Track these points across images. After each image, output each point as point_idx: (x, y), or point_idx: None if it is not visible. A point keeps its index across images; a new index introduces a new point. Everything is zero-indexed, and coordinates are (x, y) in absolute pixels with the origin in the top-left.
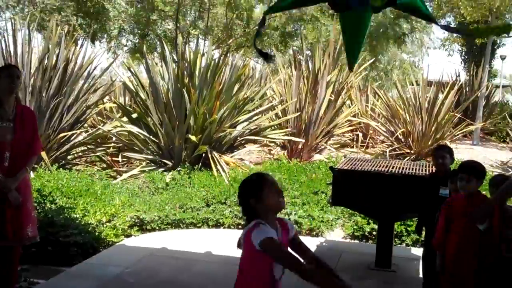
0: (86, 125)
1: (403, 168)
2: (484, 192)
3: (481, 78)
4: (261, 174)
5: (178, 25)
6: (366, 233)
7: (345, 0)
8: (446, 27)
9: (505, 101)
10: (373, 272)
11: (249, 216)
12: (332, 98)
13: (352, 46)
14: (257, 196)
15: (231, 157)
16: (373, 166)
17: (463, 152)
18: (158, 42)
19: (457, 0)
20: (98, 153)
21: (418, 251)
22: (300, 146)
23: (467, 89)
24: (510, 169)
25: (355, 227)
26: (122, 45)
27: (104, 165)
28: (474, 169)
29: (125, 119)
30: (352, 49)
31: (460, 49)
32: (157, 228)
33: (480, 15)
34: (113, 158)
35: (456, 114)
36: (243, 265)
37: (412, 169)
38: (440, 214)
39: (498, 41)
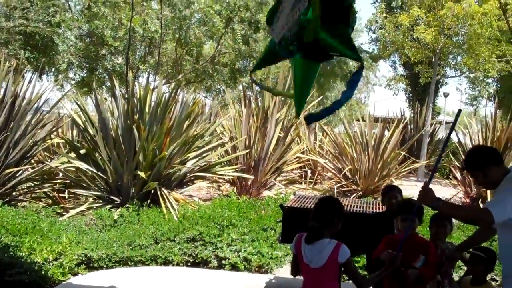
0: (32, 161)
1: (350, 206)
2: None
3: (425, 116)
4: None
5: (128, 61)
6: None
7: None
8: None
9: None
10: None
11: (323, 230)
12: (281, 135)
13: (297, 93)
14: (341, 218)
15: (181, 193)
16: None
17: (408, 189)
18: (107, 77)
19: (402, 41)
20: (45, 189)
21: None
22: (249, 183)
23: (411, 126)
24: None
25: None
26: (70, 79)
27: (50, 202)
28: (419, 209)
29: (72, 154)
30: (296, 95)
31: (405, 87)
32: (105, 266)
33: (424, 55)
34: (60, 195)
35: (401, 152)
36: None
37: (360, 207)
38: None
39: (441, 80)
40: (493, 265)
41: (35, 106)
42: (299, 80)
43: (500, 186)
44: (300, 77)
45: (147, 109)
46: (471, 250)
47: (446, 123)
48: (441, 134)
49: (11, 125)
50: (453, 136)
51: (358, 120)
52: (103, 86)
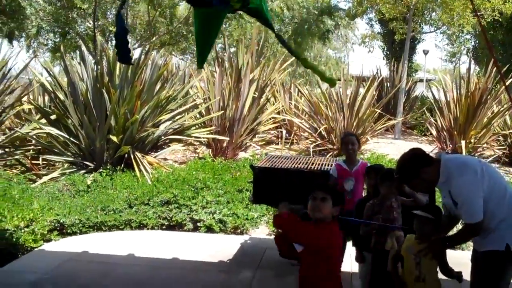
0: (3, 127)
1: (322, 165)
2: None
3: (401, 73)
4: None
5: (96, 23)
6: None
7: None
8: (280, 38)
9: (425, 96)
10: (295, 268)
11: None
12: (256, 96)
13: (203, 44)
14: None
15: (155, 157)
16: (293, 163)
17: (384, 146)
18: (80, 41)
19: None
20: (17, 156)
21: None
22: (224, 144)
23: (388, 84)
24: None
25: None
26: (43, 45)
27: (24, 169)
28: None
29: (43, 120)
30: (202, 48)
31: (382, 45)
32: (78, 231)
33: (398, 12)
34: (33, 161)
35: (376, 109)
36: None
37: (331, 165)
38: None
39: (418, 37)
40: (440, 223)
41: (2, 72)
42: (206, 31)
43: (453, 188)
44: (213, 28)
45: (117, 72)
46: (415, 211)
47: (427, 80)
48: (418, 91)
49: None
50: (429, 94)
51: (338, 80)
52: (77, 51)
